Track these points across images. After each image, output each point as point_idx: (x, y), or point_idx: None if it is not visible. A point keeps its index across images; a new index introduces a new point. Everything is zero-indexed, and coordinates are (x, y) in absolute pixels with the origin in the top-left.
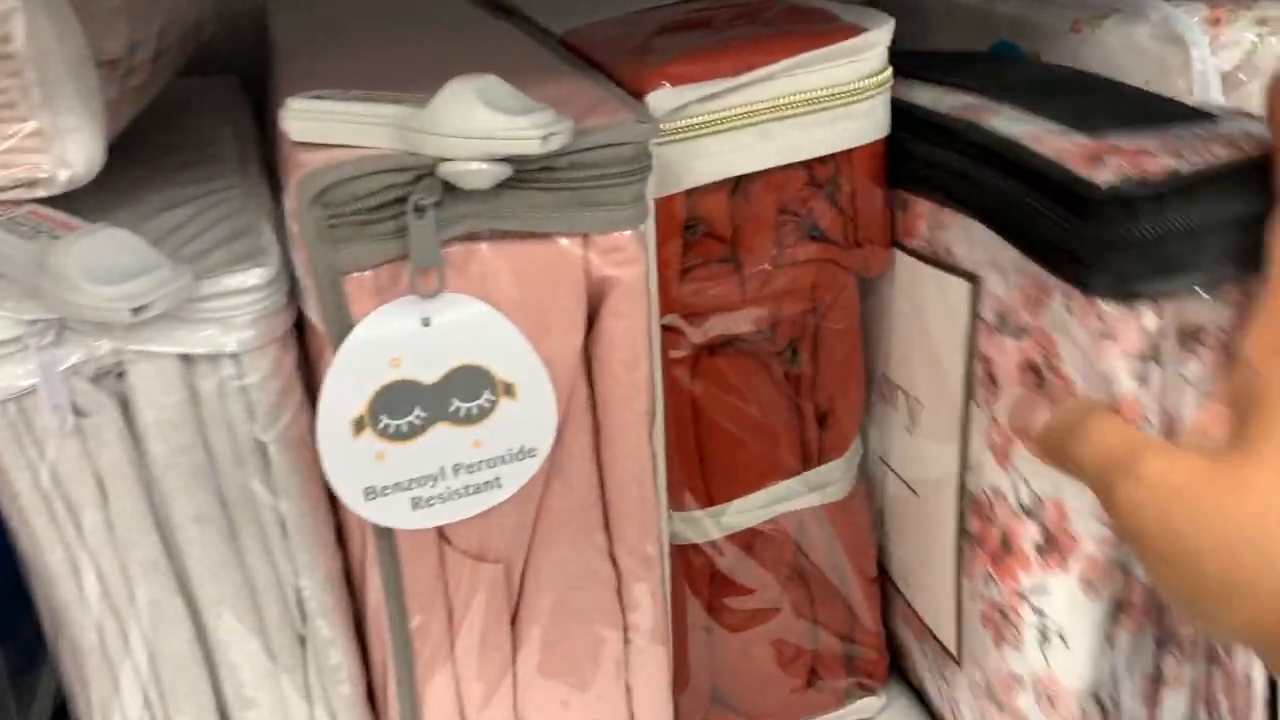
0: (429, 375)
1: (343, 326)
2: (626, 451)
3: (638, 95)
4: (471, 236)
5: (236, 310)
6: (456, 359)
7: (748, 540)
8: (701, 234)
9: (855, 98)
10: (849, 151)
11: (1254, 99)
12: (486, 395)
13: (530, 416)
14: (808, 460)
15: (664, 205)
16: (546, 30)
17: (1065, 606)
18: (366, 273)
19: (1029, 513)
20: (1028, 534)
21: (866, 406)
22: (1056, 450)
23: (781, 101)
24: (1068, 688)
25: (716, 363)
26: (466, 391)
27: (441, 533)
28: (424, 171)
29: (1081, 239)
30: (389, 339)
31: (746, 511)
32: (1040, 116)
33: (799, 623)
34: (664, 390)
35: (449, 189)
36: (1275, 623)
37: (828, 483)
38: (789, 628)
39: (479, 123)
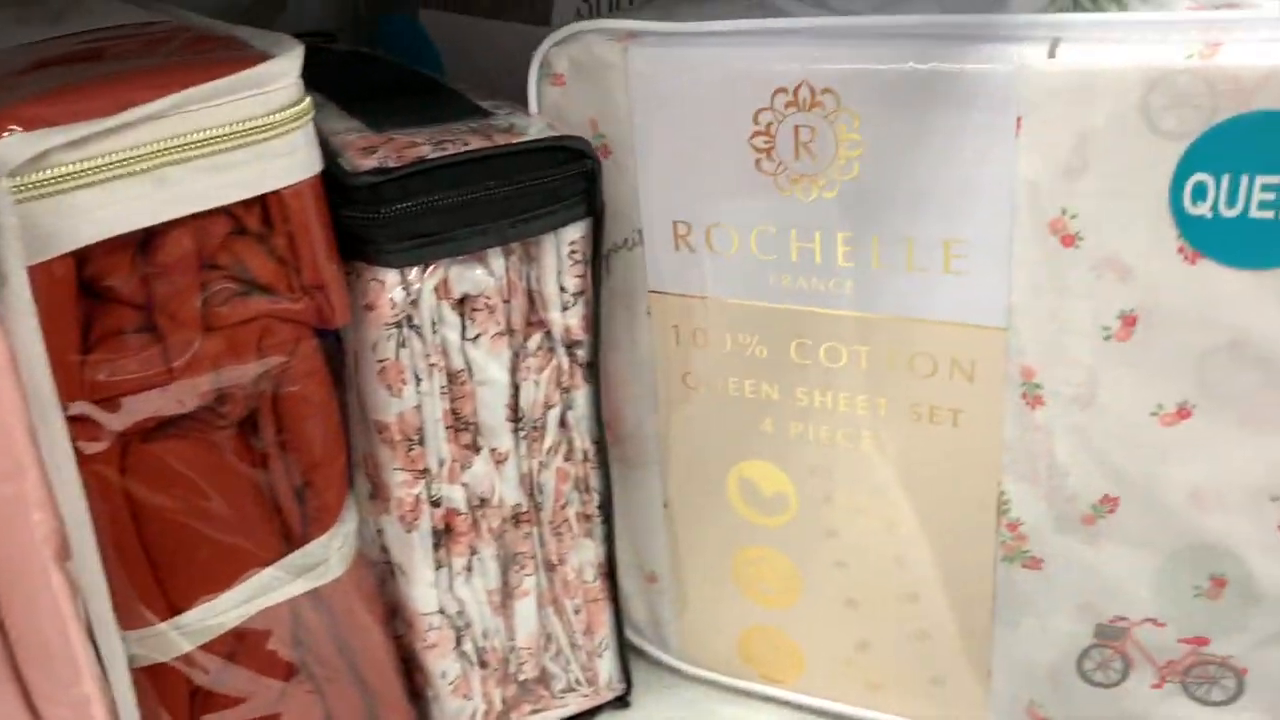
0: None
1: None
2: (24, 584)
3: None
4: None
5: None
6: None
7: (230, 645)
8: (106, 301)
9: (268, 134)
10: (277, 193)
11: None
12: None
13: None
14: (290, 542)
15: (42, 273)
16: None
17: (396, 544)
18: None
19: (358, 467)
20: (361, 485)
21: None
22: None
23: (176, 143)
24: (415, 611)
25: (152, 450)
26: None
27: None
28: None
29: (348, 219)
30: None
31: (220, 614)
32: (353, 116)
33: None
34: (86, 492)
35: None
36: None
37: (318, 562)
38: None
39: None
